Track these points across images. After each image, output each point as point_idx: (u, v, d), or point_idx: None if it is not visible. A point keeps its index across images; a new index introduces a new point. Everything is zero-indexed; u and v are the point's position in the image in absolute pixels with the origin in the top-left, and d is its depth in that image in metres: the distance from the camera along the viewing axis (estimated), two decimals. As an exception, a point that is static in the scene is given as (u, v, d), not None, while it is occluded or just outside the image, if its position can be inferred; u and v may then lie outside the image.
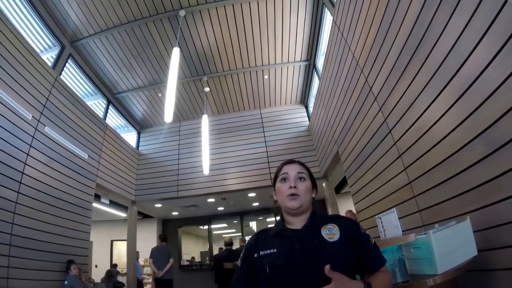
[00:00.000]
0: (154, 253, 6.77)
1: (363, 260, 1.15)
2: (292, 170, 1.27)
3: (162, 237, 7.22)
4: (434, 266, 1.84)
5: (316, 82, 7.71)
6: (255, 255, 1.21)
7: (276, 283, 1.09)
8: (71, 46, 6.54)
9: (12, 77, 4.75)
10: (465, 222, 2.07)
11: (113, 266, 10.26)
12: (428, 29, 2.57)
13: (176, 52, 5.43)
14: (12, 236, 4.36)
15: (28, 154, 4.89)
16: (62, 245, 5.36)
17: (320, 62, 7.13)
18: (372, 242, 1.19)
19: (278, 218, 1.35)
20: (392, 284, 1.16)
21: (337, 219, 1.24)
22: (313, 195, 1.30)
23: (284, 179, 1.26)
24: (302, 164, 1.32)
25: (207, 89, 8.30)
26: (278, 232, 1.23)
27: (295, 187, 1.22)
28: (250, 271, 1.20)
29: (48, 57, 6.24)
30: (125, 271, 9.19)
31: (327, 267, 0.95)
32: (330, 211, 7.88)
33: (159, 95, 8.33)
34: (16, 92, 4.81)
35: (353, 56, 4.39)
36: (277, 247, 1.17)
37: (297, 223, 1.23)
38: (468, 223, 2.06)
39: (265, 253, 1.18)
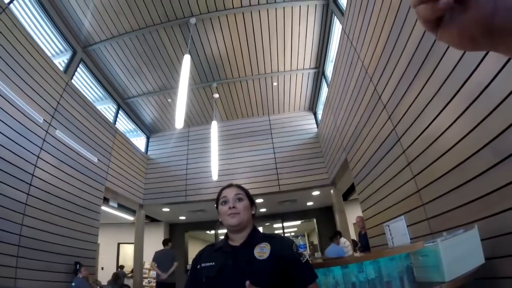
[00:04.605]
0: (158, 256, 6.78)
1: (294, 277, 1.25)
2: (230, 193, 1.41)
3: (164, 241, 7.21)
4: (441, 274, 1.84)
5: (325, 90, 7.73)
6: (198, 266, 1.35)
7: None
8: (83, 51, 6.66)
9: (24, 81, 4.85)
10: (473, 230, 2.07)
11: (120, 267, 10.23)
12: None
13: (187, 59, 5.48)
14: (21, 237, 4.42)
15: (38, 157, 4.98)
16: (70, 247, 5.41)
17: (329, 70, 7.16)
18: (303, 261, 1.28)
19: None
20: None
21: (271, 238, 1.36)
22: (252, 212, 1.44)
23: (225, 202, 1.41)
24: (239, 187, 1.47)
25: (216, 95, 8.37)
26: (220, 247, 1.39)
27: (234, 207, 1.36)
28: (194, 280, 1.34)
29: (60, 62, 6.35)
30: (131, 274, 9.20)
31: (247, 282, 1.06)
32: (337, 218, 7.84)
33: (169, 100, 8.42)
34: (28, 96, 4.91)
35: (362, 64, 4.41)
36: (215, 261, 1.31)
37: (237, 240, 1.37)
38: (476, 231, 2.06)
39: (205, 265, 1.33)
